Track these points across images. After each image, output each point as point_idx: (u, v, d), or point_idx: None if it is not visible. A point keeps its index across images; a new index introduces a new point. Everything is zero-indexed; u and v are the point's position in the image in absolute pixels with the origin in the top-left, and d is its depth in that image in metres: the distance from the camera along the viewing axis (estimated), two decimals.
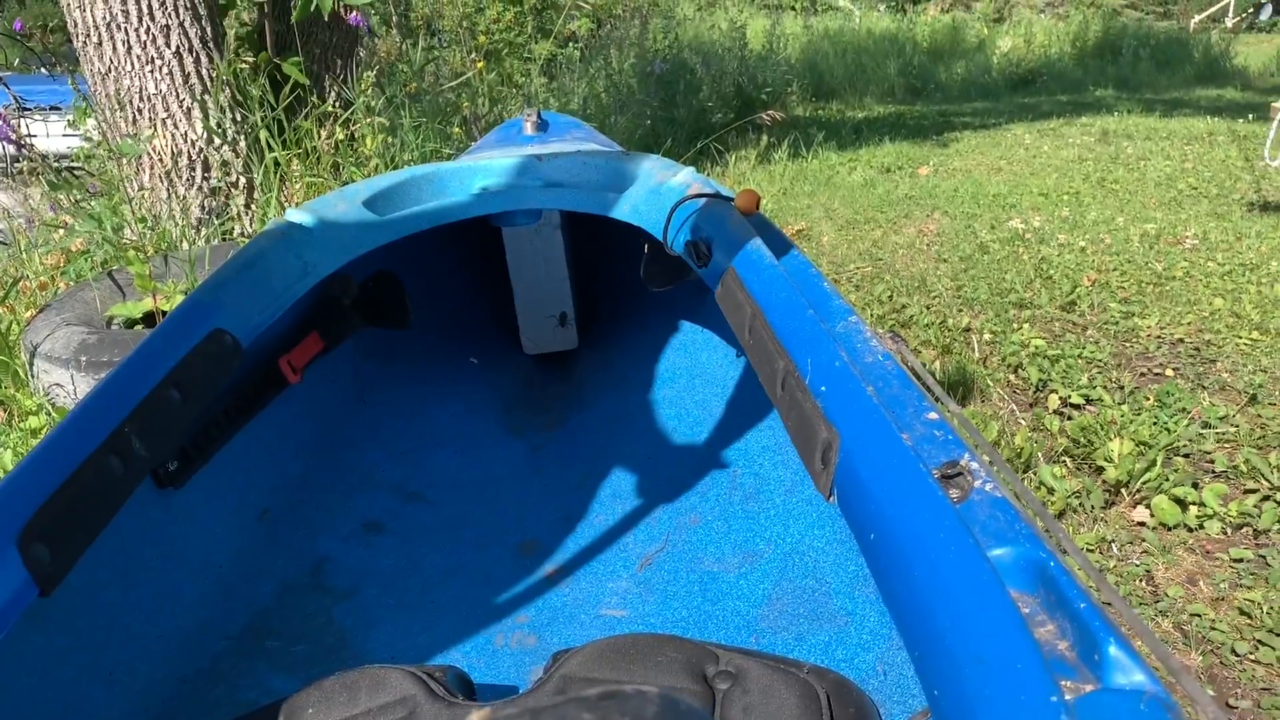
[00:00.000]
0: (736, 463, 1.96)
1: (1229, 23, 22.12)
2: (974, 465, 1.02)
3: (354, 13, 3.61)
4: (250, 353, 1.64)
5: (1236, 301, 3.61)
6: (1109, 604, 0.95)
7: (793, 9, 22.09)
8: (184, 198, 3.81)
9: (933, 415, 1.12)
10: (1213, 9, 23.30)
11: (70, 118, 4.45)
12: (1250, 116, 8.35)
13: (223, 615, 1.59)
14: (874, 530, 0.97)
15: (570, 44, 10.58)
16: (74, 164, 4.09)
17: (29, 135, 5.92)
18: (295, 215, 1.81)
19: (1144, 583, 2.05)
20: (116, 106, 3.73)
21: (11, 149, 4.99)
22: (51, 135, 6.10)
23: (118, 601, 1.37)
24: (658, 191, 1.91)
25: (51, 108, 6.01)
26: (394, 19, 10.45)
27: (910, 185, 6.32)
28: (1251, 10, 23.10)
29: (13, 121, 5.51)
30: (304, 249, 1.77)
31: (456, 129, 6.05)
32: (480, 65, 8.36)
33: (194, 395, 1.39)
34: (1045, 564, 0.87)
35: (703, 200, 1.79)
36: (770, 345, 1.36)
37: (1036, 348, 3.24)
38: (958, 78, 13.73)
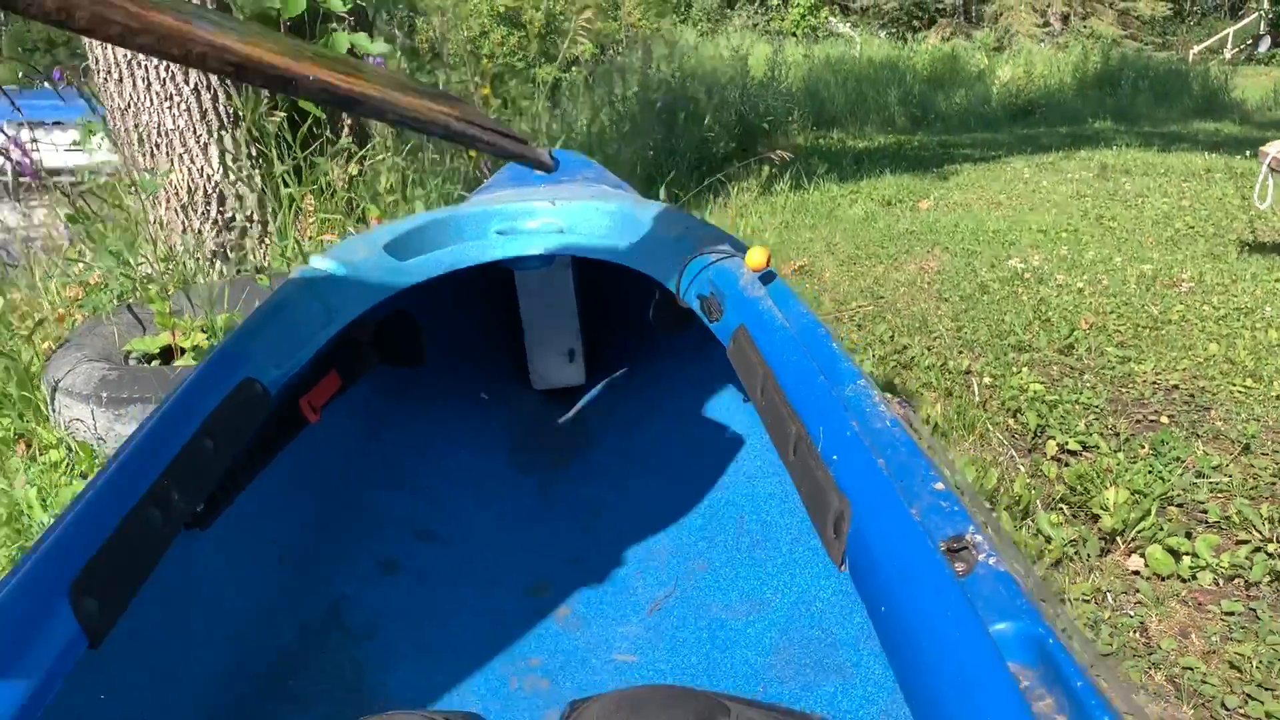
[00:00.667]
0: (744, 509, 1.99)
1: (1227, 54, 22.34)
2: (978, 539, 1.07)
3: (370, 56, 3.69)
4: (278, 397, 1.69)
5: (1231, 347, 3.68)
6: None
7: (793, 35, 22.25)
8: (200, 232, 3.88)
9: (939, 486, 1.17)
10: (1211, 40, 23.53)
11: (76, 133, 4.52)
12: (1248, 153, 8.45)
13: (247, 657, 1.63)
14: (884, 603, 1.03)
15: (574, 68, 10.69)
16: (79, 182, 4.14)
17: (34, 148, 5.98)
18: (320, 262, 1.87)
19: (1138, 634, 2.11)
20: (136, 141, 3.80)
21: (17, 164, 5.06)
22: (58, 149, 6.16)
23: (151, 648, 1.40)
24: (670, 243, 1.97)
25: (54, 123, 6.07)
26: (399, 40, 10.55)
27: (911, 219, 6.40)
28: (1250, 42, 23.37)
29: (18, 136, 5.57)
30: (329, 296, 1.82)
31: (472, 154, 6.12)
32: (485, 90, 8.45)
33: (225, 443, 1.44)
34: (1044, 640, 0.93)
35: (715, 255, 1.85)
36: (783, 409, 1.41)
37: (1035, 392, 3.30)
38: (958, 107, 13.85)
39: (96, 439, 2.70)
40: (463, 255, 2.04)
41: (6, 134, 5.36)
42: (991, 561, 1.04)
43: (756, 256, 1.78)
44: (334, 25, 3.42)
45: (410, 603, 1.89)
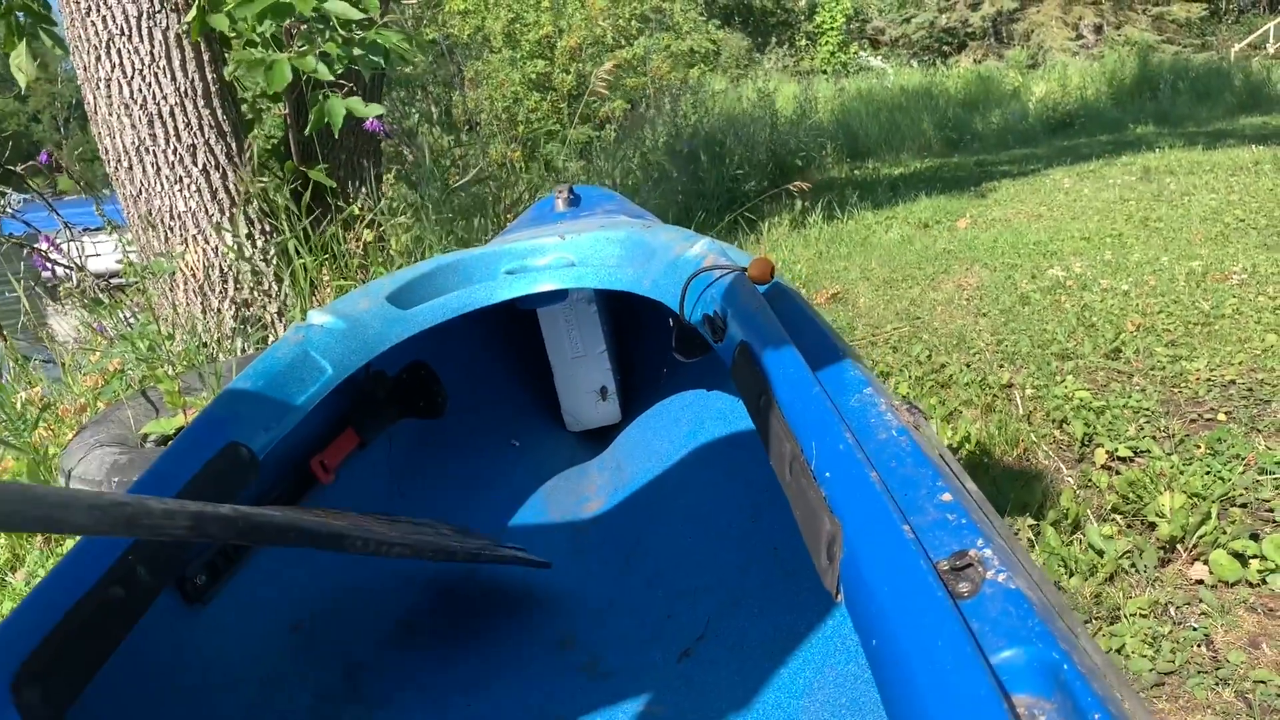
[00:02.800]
0: (777, 538, 1.89)
1: (1270, 49, 21.89)
2: (987, 553, 0.94)
3: (372, 120, 3.68)
4: (277, 458, 1.62)
5: None
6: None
7: (823, 73, 22.32)
8: (218, 310, 3.88)
9: (946, 497, 1.04)
10: (1253, 36, 23.09)
11: (121, 237, 4.59)
12: None
13: None
14: (875, 636, 0.91)
15: (606, 126, 10.77)
16: (126, 282, 4.19)
17: (82, 256, 6.12)
18: (317, 317, 1.81)
19: (1203, 648, 1.94)
20: (148, 226, 3.82)
21: (61, 271, 5.16)
22: (103, 255, 6.29)
23: None
24: (675, 265, 1.89)
25: (85, 229, 6.19)
26: (435, 116, 10.72)
27: (949, 239, 6.25)
28: None
29: (65, 245, 5.70)
30: (326, 350, 1.76)
31: (495, 219, 6.14)
32: (516, 155, 8.52)
33: None
34: (1059, 665, 0.80)
35: (717, 272, 1.76)
36: (778, 426, 1.31)
37: (1081, 400, 3.13)
38: (994, 126, 13.70)
39: None
40: (470, 299, 1.97)
41: (49, 241, 5.50)
42: (1001, 579, 0.91)
43: (759, 269, 1.69)
44: (327, 91, 3.41)
45: (430, 666, 1.81)
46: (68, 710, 1.07)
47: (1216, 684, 1.82)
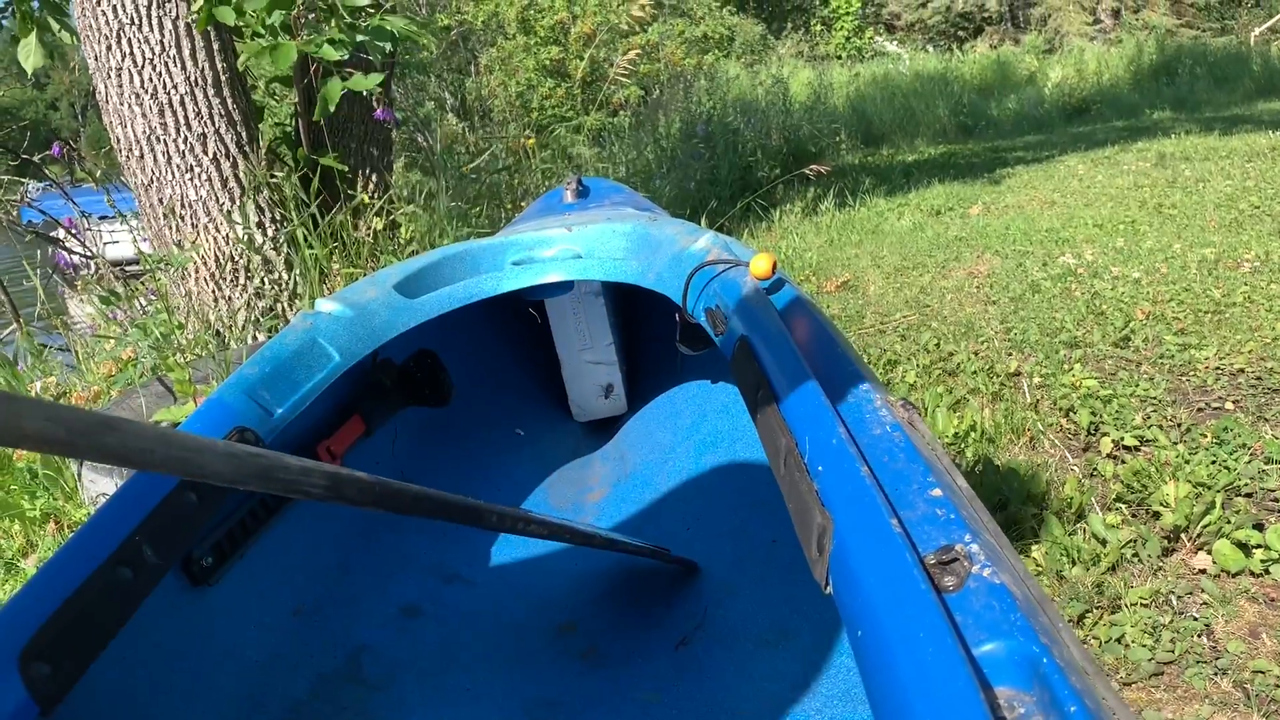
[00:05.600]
0: (775, 532, 1.91)
1: None
2: (973, 548, 0.95)
3: (380, 109, 3.70)
4: (284, 444, 1.63)
5: None
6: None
7: (838, 59, 22.20)
8: (230, 299, 3.90)
9: (936, 493, 1.05)
10: (1273, 20, 22.82)
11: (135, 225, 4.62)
12: None
13: (257, 713, 1.58)
14: (861, 627, 0.92)
15: (620, 113, 10.74)
16: (142, 270, 4.23)
17: (100, 244, 6.17)
18: (325, 304, 1.83)
19: (1203, 638, 1.94)
20: (160, 216, 3.85)
21: (78, 259, 5.20)
22: (121, 243, 6.34)
23: (149, 706, 1.36)
24: (679, 258, 1.90)
25: (102, 217, 6.24)
26: (449, 104, 10.73)
27: (960, 226, 6.22)
28: None
29: (83, 233, 5.74)
30: (333, 338, 1.77)
31: (508, 206, 6.16)
32: (530, 142, 8.53)
33: (212, 495, 1.38)
34: (1039, 659, 0.81)
35: (719, 266, 1.77)
36: (774, 420, 1.32)
37: (1088, 389, 3.12)
38: (1009, 112, 13.61)
39: None
40: (476, 289, 2.00)
41: (71, 226, 5.54)
42: (986, 574, 0.92)
43: (760, 264, 1.69)
44: (334, 73, 3.42)
45: (431, 650, 1.84)
46: (73, 687, 1.09)
47: (1215, 674, 1.83)
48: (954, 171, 8.72)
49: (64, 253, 5.05)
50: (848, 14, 25.76)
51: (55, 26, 4.08)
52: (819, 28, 26.30)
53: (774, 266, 1.72)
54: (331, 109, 3.45)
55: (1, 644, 1.02)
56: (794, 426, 1.25)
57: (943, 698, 0.75)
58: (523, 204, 6.09)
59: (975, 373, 3.43)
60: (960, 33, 26.58)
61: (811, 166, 6.39)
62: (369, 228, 4.02)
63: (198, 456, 0.71)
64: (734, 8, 22.09)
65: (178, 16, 3.70)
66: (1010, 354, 3.63)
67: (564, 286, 2.29)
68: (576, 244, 2.07)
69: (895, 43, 24.96)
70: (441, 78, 11.40)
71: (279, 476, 0.81)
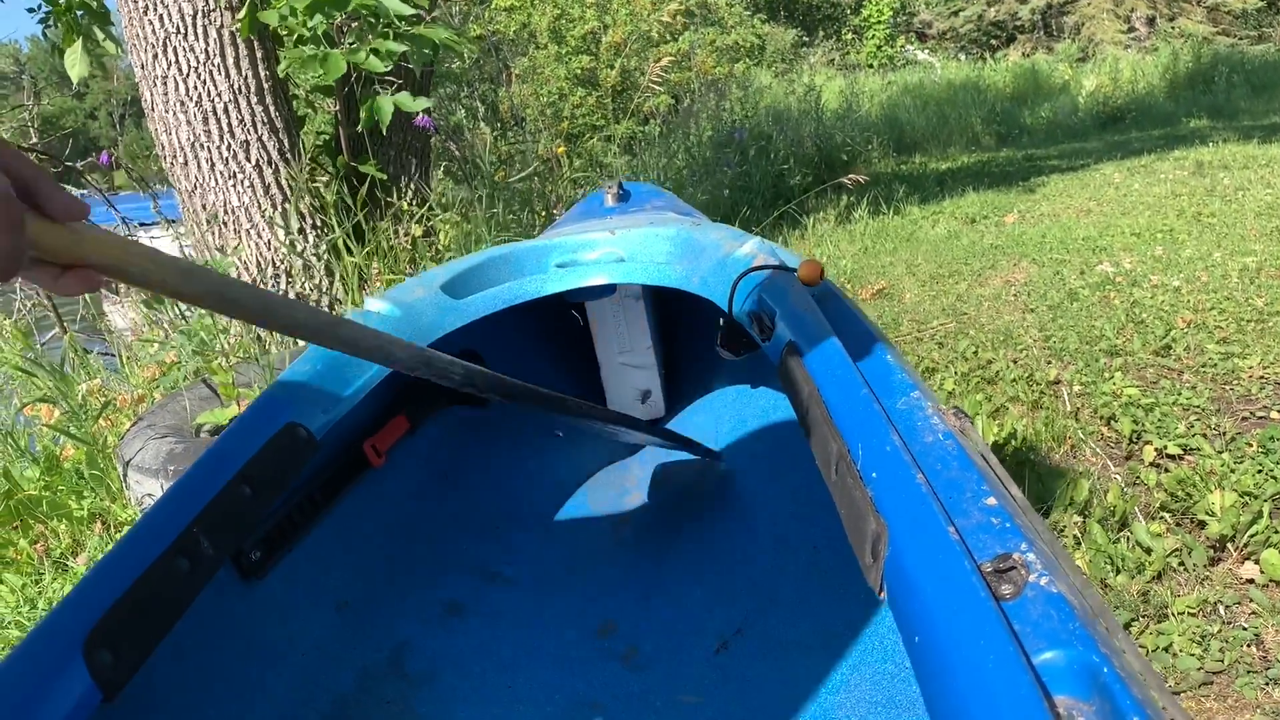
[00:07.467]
0: (816, 539, 1.91)
1: None
2: (1030, 557, 0.95)
3: (420, 115, 3.73)
4: (332, 440, 1.65)
5: None
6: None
7: (869, 67, 22.14)
8: None
9: (991, 501, 1.05)
10: None
11: (177, 232, 4.68)
12: None
13: (303, 705, 1.59)
14: (919, 632, 0.92)
15: (650, 121, 10.77)
16: None
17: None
18: (373, 304, 1.85)
19: (1253, 647, 1.92)
20: (203, 222, 3.90)
21: None
22: (162, 250, 6.41)
23: (199, 696, 1.38)
24: (725, 263, 1.90)
25: (142, 224, 6.32)
26: (481, 113, 10.79)
27: (996, 234, 6.19)
28: None
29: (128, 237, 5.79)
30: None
31: (540, 214, 6.18)
32: (561, 150, 8.56)
33: (267, 489, 1.40)
34: (1099, 669, 0.81)
35: (767, 271, 1.77)
36: (825, 426, 1.32)
37: (1130, 397, 3.10)
38: (1043, 120, 13.53)
39: None
40: (521, 290, 2.02)
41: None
42: (1043, 582, 0.92)
43: (808, 270, 1.70)
44: (377, 88, 3.46)
45: (473, 647, 1.85)
46: (133, 675, 1.11)
47: (1266, 684, 1.81)
48: (988, 179, 8.67)
49: None
50: (879, 22, 25.71)
51: (100, 36, 4.14)
52: (850, 36, 26.26)
53: (821, 273, 1.72)
54: (385, 126, 3.48)
55: (66, 631, 1.03)
56: (845, 433, 1.25)
57: (1004, 705, 0.75)
58: (555, 212, 6.12)
59: (1014, 381, 3.41)
60: (993, 41, 26.45)
61: (850, 176, 6.38)
62: (408, 234, 4.06)
63: (389, 346, 1.12)
64: (765, 16, 22.09)
65: (222, 25, 3.76)
66: (1049, 362, 3.61)
67: (606, 289, 2.29)
68: (620, 247, 2.08)
69: (927, 51, 24.87)
70: (474, 87, 11.48)
71: (436, 364, 1.24)
